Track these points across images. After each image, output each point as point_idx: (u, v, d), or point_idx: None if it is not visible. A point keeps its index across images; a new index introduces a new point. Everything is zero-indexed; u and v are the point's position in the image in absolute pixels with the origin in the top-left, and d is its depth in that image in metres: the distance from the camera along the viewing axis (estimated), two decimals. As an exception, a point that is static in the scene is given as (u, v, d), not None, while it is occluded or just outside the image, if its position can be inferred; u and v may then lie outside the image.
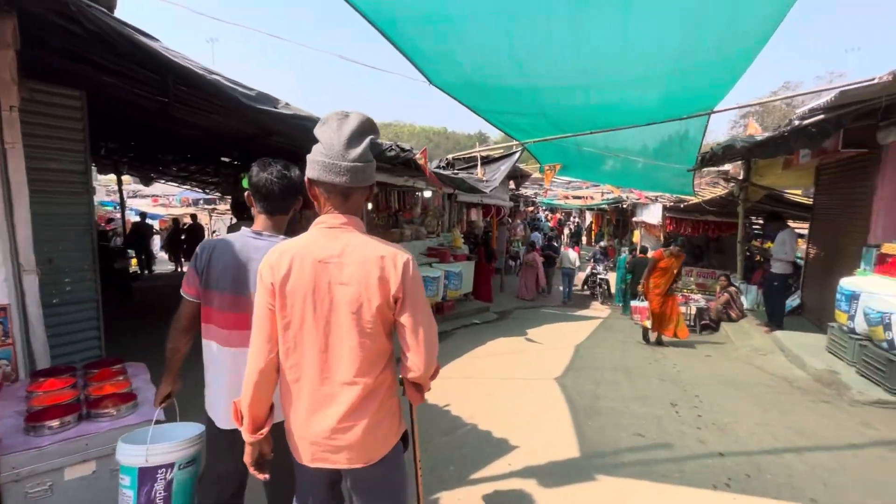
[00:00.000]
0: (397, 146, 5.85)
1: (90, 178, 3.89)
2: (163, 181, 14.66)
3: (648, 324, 6.16)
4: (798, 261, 7.57)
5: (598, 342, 6.77)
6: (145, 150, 9.45)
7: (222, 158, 10.01)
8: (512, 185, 12.09)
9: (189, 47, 3.71)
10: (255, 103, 3.91)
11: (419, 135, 55.55)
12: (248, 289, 1.63)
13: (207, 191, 15.13)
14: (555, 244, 12.46)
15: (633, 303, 6.59)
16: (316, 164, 1.26)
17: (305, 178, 1.32)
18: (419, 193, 8.57)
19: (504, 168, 8.36)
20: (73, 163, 3.78)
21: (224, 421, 1.66)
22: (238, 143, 7.56)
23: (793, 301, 7.57)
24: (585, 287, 11.36)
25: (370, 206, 7.63)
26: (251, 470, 1.38)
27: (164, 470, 1.66)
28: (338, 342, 1.29)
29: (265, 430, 1.35)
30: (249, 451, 1.36)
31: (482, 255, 9.86)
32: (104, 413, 2.08)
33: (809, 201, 8.18)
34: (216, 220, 18.62)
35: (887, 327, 4.01)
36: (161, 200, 23.62)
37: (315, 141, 1.30)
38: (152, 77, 4.04)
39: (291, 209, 1.81)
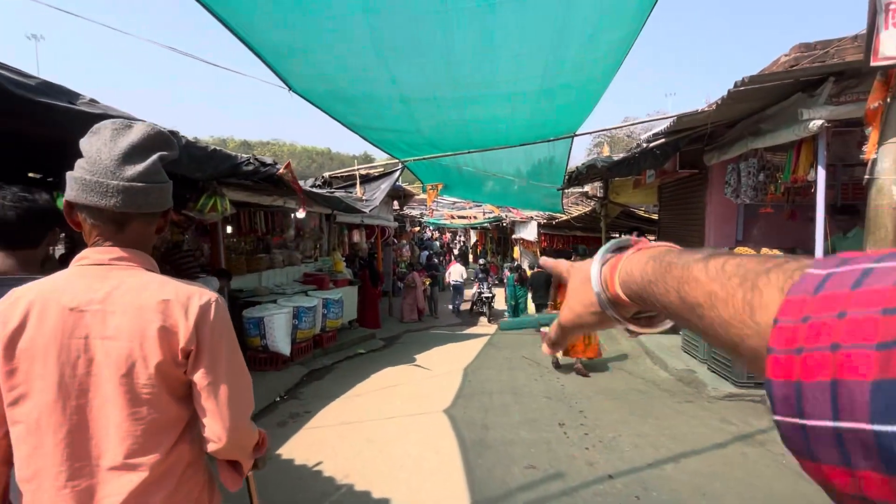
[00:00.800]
0: (256, 159, 5.06)
1: None
2: None
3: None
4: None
5: (486, 362, 6.62)
6: None
7: (30, 174, 7.99)
8: (396, 205, 11.76)
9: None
10: (34, 95, 2.93)
11: (301, 154, 53.02)
12: None
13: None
14: (435, 261, 12.34)
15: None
16: (74, 183, 0.96)
17: (64, 202, 1.00)
18: (292, 215, 7.72)
19: (385, 187, 7.95)
20: None
21: None
22: (47, 154, 5.95)
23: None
24: (474, 307, 11.33)
25: (229, 229, 6.59)
26: None
27: None
28: (100, 415, 0.96)
29: None
30: None
31: (367, 278, 9.27)
32: None
33: (655, 216, 9.24)
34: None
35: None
36: None
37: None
38: None
39: (43, 241, 1.44)
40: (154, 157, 1.00)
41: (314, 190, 6.52)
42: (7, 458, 1.01)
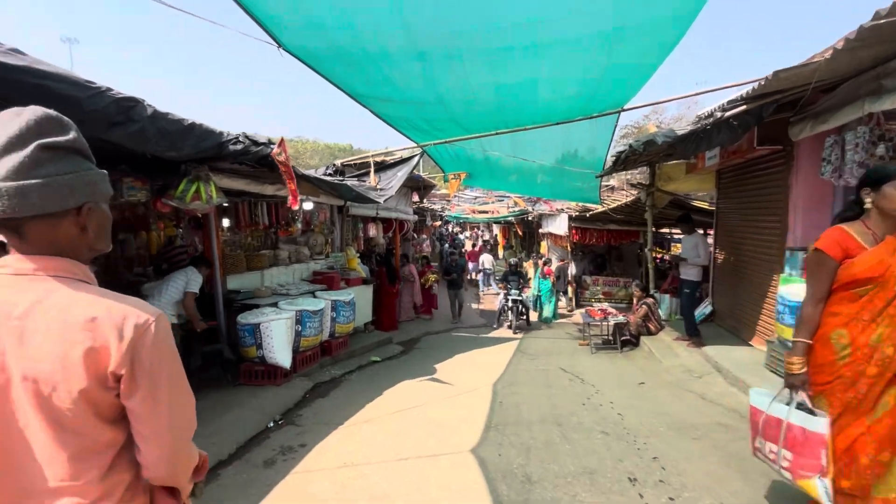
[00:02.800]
0: (246, 137, 4.20)
1: None
2: None
3: None
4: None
5: (519, 375, 5.62)
6: None
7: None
8: (416, 197, 10.84)
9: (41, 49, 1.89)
10: None
11: (323, 151, 52.79)
12: None
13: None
14: (453, 258, 11.05)
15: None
16: None
17: None
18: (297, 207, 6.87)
19: (401, 174, 7.02)
20: None
21: None
22: None
23: (704, 308, 7.20)
24: (501, 316, 9.57)
25: (226, 221, 5.79)
26: None
27: None
28: (21, 439, 0.86)
29: None
30: None
31: (384, 276, 8.39)
32: None
33: (710, 206, 8.03)
34: None
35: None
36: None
37: None
38: None
39: None
40: (31, 147, 0.85)
41: (318, 176, 5.64)
42: None
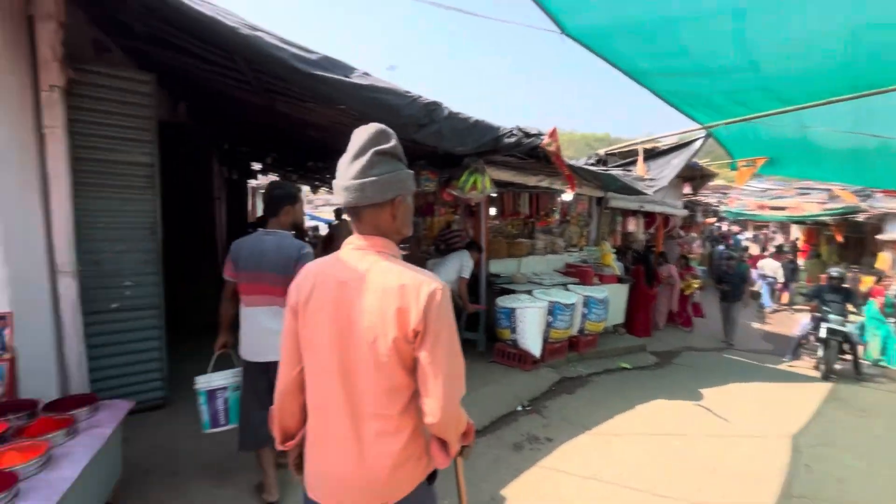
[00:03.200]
0: (519, 130, 4.36)
1: (157, 172, 3.41)
2: (328, 189, 15.82)
3: None
4: None
5: (837, 434, 4.08)
6: (288, 155, 9.87)
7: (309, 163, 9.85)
8: (687, 189, 9.30)
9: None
10: (311, 69, 2.93)
11: (579, 142, 52.05)
12: (261, 269, 2.29)
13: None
14: (734, 263, 8.61)
15: None
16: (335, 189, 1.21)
17: None
18: (558, 197, 6.85)
19: (677, 162, 6.07)
20: (139, 154, 3.31)
21: (247, 354, 2.39)
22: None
23: None
24: (802, 349, 7.08)
25: (493, 210, 6.27)
26: (291, 468, 1.36)
27: (222, 391, 2.51)
28: (356, 371, 1.14)
29: (292, 442, 1.31)
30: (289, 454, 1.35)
31: (641, 275, 7.56)
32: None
33: None
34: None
35: None
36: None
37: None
38: (220, 56, 3.42)
39: (283, 212, 2.41)
40: (369, 153, 1.14)
41: (582, 165, 5.41)
42: (302, 387, 1.25)
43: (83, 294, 2.99)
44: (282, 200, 2.39)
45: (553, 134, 4.10)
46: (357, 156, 1.14)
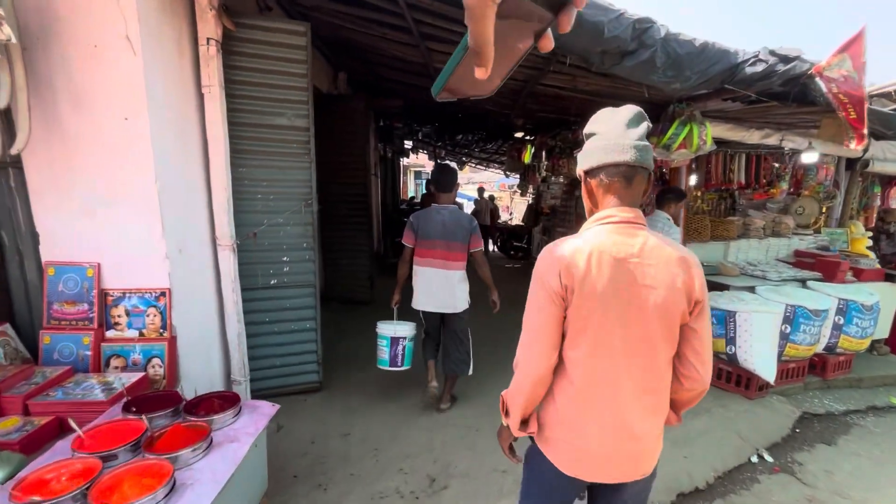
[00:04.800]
0: (772, 53, 2.91)
1: (313, 137, 3.04)
2: (473, 165, 15.39)
3: None
4: None
5: None
6: (445, 130, 9.45)
7: (515, 135, 9.05)
8: None
9: None
10: None
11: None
12: (438, 238, 2.74)
13: (507, 174, 14.96)
14: None
15: None
16: (594, 152, 1.15)
17: (579, 175, 1.22)
18: (789, 157, 4.91)
19: None
20: (295, 116, 2.96)
21: (418, 305, 2.88)
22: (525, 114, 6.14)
23: None
24: None
25: (694, 179, 4.73)
26: (506, 453, 1.35)
27: (402, 339, 2.92)
28: (642, 348, 1.13)
29: (530, 430, 1.25)
30: (506, 438, 1.32)
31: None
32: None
33: None
34: (516, 204, 18.72)
35: None
36: (485, 186, 26.01)
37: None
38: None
39: (453, 190, 2.87)
40: (644, 125, 1.15)
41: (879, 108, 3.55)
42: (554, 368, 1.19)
43: (240, 270, 2.76)
44: (452, 178, 2.84)
45: (855, 42, 2.54)
46: (635, 122, 1.14)
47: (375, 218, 8.64)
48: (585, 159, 1.16)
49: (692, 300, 1.11)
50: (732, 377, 3.63)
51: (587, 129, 1.18)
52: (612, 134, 1.12)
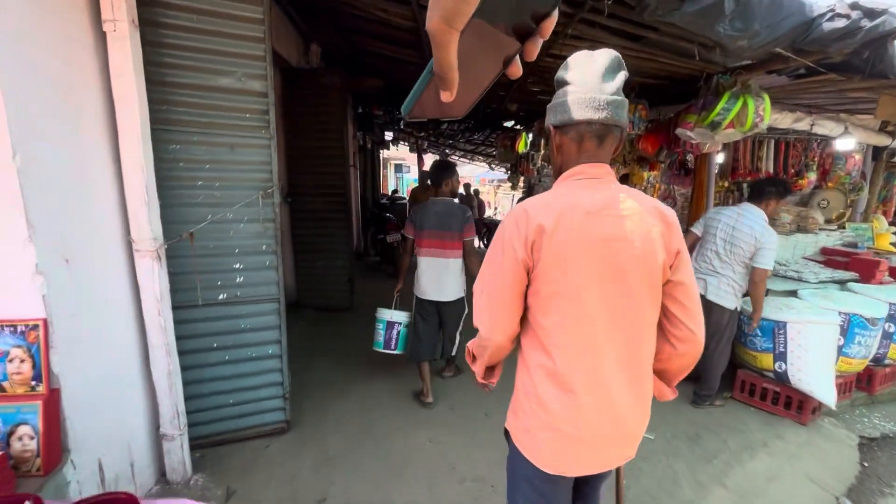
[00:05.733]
0: (855, 6, 2.34)
1: (272, 105, 2.30)
2: (456, 157, 14.71)
3: None
4: None
5: None
6: (429, 119, 8.72)
7: (504, 124, 8.42)
8: None
9: None
10: None
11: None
12: (436, 228, 2.79)
13: (493, 166, 14.35)
14: None
15: None
16: (566, 105, 1.02)
17: (547, 127, 1.11)
18: (817, 144, 4.42)
19: None
20: (249, 78, 2.21)
21: (420, 293, 2.91)
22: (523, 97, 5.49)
23: None
24: None
25: (719, 159, 4.16)
26: (480, 384, 1.24)
27: (397, 324, 3.01)
28: (624, 310, 1.02)
29: (495, 377, 1.22)
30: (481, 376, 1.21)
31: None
32: None
33: None
34: (500, 199, 18.16)
35: None
36: (466, 180, 25.27)
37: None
38: None
39: (444, 183, 2.87)
40: (621, 75, 1.03)
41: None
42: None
43: (174, 283, 2.01)
44: (444, 174, 2.87)
45: None
46: (612, 72, 1.02)
47: (355, 213, 7.86)
48: (556, 113, 1.06)
49: (672, 251, 1.04)
50: (781, 399, 3.08)
51: (559, 76, 1.06)
52: (586, 86, 1.01)
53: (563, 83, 1.04)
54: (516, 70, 0.43)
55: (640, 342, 1.03)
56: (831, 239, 4.57)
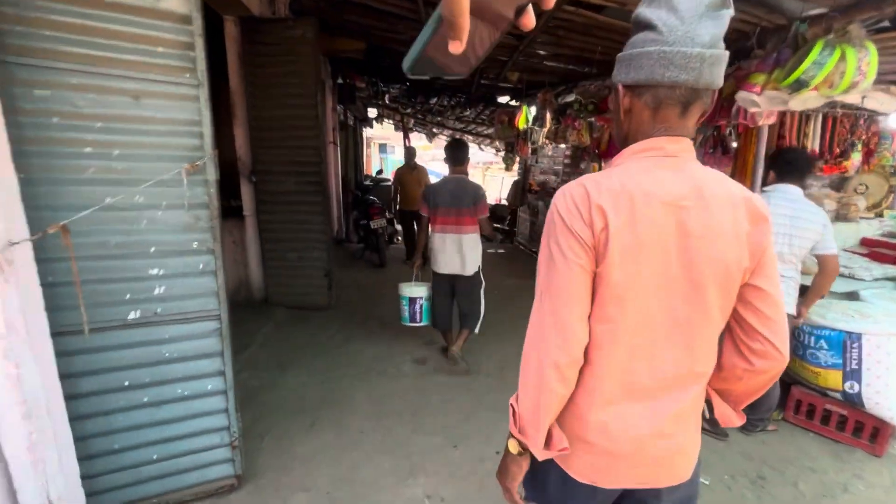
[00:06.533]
0: None
1: (201, 36, 1.56)
2: (444, 136, 13.90)
3: None
4: None
5: None
6: (417, 91, 7.92)
7: (499, 100, 7.69)
8: None
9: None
10: None
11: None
12: (451, 205, 2.94)
13: (482, 147, 13.59)
14: None
15: None
16: (644, 59, 0.75)
17: (618, 85, 0.82)
18: (863, 121, 3.87)
19: None
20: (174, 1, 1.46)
21: (438, 268, 3.06)
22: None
23: None
24: None
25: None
26: (514, 497, 0.93)
27: (419, 298, 3.14)
28: (689, 319, 0.81)
29: (562, 447, 0.84)
30: (516, 472, 0.90)
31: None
32: None
33: None
34: (489, 179, 17.46)
35: None
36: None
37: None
38: None
39: (464, 161, 3.07)
40: (727, 13, 0.73)
41: None
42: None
43: (56, 298, 1.31)
44: (465, 152, 3.09)
45: None
46: (714, 9, 0.72)
47: (334, 196, 7.09)
48: (630, 68, 0.78)
49: (757, 252, 0.80)
50: (848, 424, 2.56)
51: (640, 13, 0.76)
52: (676, 33, 0.72)
53: (644, 24, 0.76)
54: (529, 21, 0.37)
55: (701, 357, 0.84)
56: (871, 228, 4.07)
